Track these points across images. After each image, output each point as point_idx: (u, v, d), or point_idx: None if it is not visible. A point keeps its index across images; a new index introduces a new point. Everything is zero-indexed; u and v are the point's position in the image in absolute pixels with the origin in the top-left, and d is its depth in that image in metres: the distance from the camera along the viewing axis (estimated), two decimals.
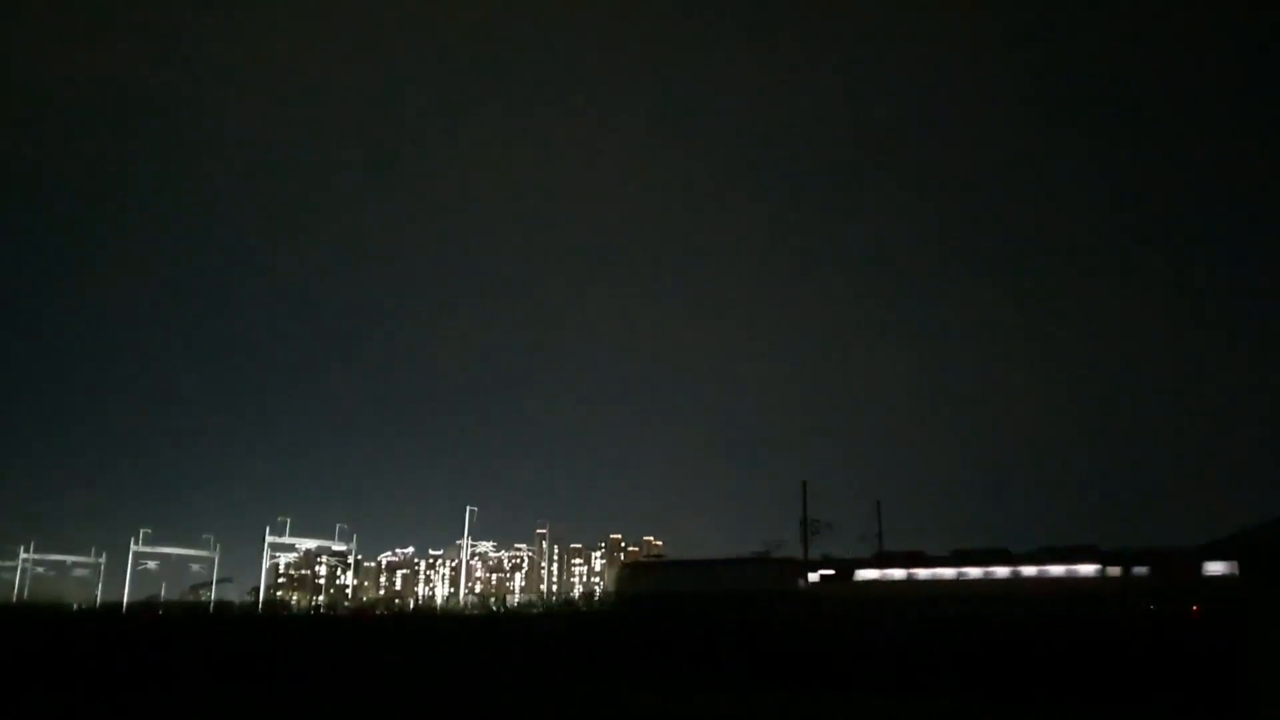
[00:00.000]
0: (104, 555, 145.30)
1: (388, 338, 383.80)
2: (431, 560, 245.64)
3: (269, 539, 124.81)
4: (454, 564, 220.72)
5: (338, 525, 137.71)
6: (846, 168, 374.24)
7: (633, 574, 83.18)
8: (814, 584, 72.51)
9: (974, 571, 65.09)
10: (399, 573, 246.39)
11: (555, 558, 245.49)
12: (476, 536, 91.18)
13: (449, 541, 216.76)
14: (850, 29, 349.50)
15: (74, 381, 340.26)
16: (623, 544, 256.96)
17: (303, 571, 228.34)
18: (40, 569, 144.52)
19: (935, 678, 27.64)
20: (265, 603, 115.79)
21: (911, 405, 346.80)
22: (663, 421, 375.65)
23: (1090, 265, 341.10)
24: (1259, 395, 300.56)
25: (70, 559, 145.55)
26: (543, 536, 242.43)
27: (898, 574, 69.60)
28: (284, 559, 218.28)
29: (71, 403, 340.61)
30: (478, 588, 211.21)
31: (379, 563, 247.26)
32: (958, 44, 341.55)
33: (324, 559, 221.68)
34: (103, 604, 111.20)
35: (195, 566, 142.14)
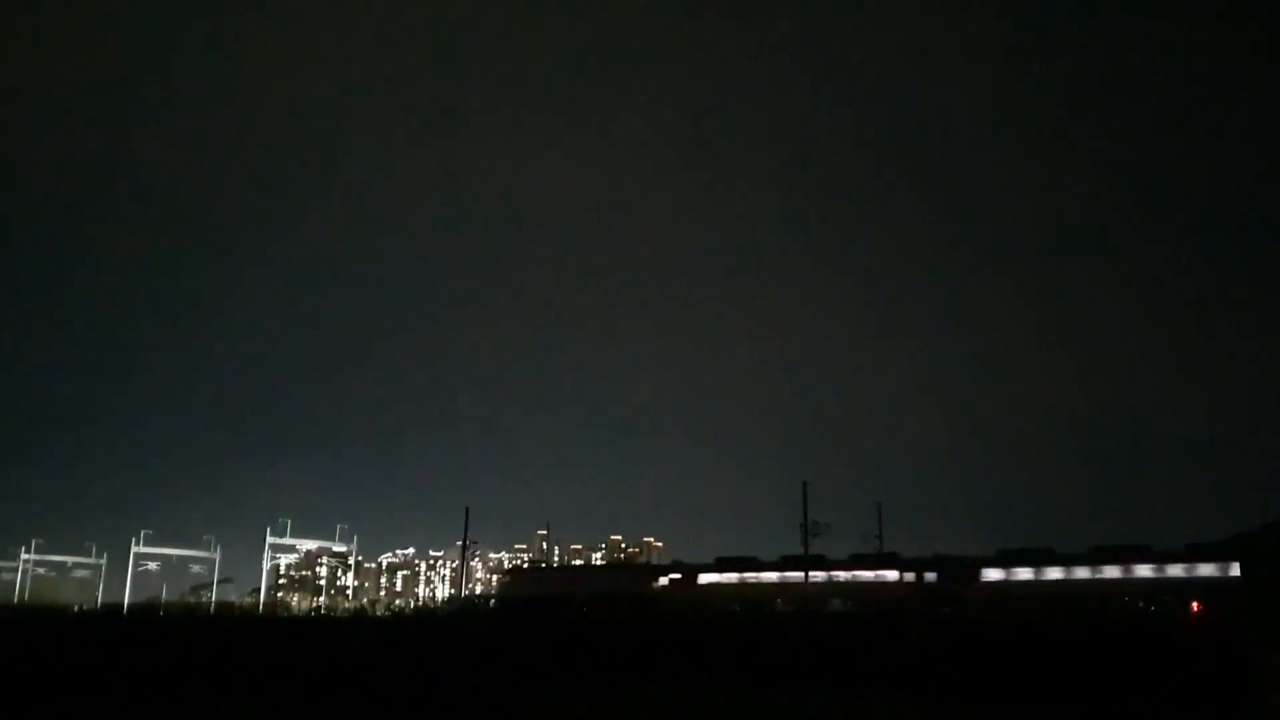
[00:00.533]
0: (105, 556, 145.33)
1: (389, 339, 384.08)
2: (432, 561, 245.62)
3: (269, 540, 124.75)
4: (454, 565, 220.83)
5: (338, 526, 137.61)
6: (849, 168, 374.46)
7: (513, 578, 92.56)
8: (662, 587, 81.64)
9: (795, 575, 70.83)
10: (399, 574, 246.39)
11: (556, 558, 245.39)
12: (477, 538, 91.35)
13: (450, 542, 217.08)
14: (855, 29, 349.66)
15: (75, 382, 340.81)
16: (623, 545, 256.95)
17: (303, 572, 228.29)
18: (41, 570, 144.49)
19: (716, 665, 30.99)
20: (266, 604, 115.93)
21: (913, 406, 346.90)
22: (664, 423, 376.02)
23: (1093, 266, 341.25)
24: (1262, 395, 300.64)
25: (71, 560, 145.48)
26: (543, 537, 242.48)
27: (731, 578, 77.83)
28: (285, 560, 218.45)
29: (73, 403, 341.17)
30: (479, 589, 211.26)
31: (379, 564, 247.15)
32: (961, 43, 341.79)
33: (324, 560, 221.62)
34: (104, 605, 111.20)
35: (196, 568, 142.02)
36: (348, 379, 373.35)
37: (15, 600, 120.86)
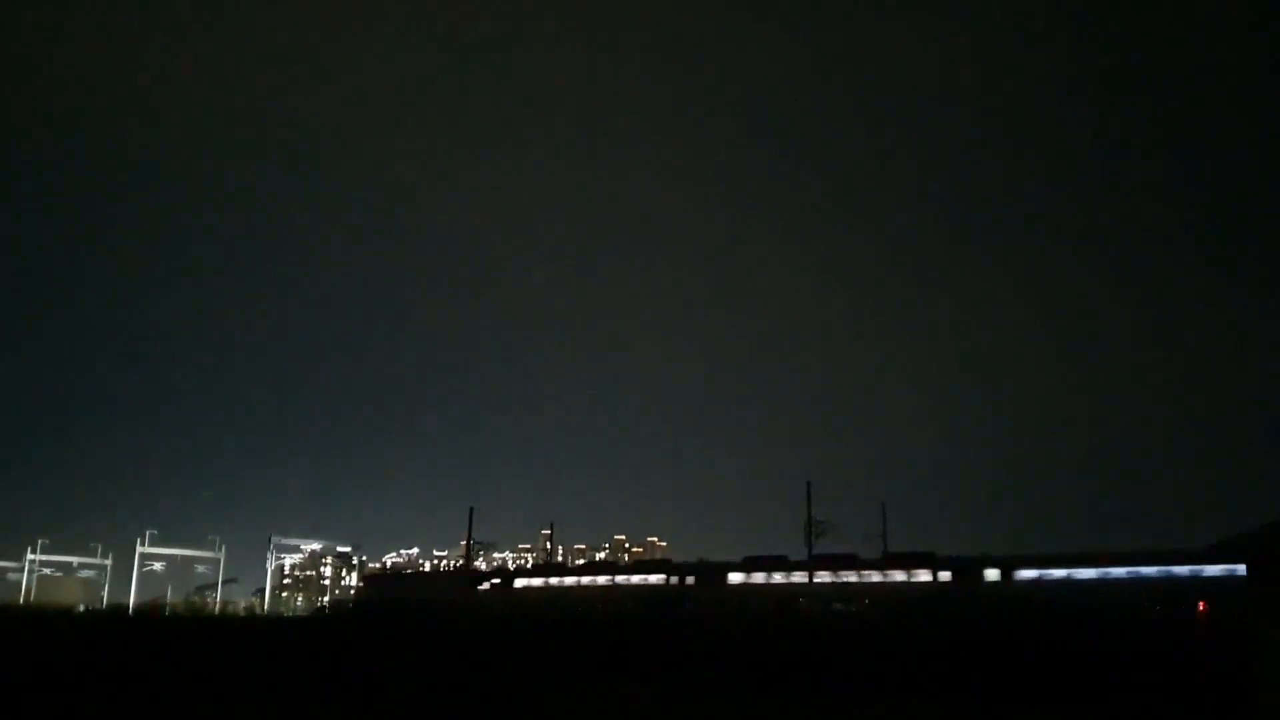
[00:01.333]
0: (110, 556, 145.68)
1: (393, 338, 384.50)
2: (436, 561, 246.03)
3: (274, 540, 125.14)
4: (458, 564, 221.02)
5: (342, 526, 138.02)
6: (852, 165, 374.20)
7: (366, 584, 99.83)
8: (484, 591, 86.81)
9: (600, 579, 79.24)
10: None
11: (560, 558, 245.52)
12: (480, 537, 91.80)
13: (453, 542, 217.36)
14: (856, 25, 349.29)
15: (79, 383, 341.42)
16: (627, 544, 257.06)
17: (308, 572, 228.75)
18: (47, 570, 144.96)
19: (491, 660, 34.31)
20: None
21: (917, 405, 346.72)
22: (668, 421, 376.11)
23: (1100, 264, 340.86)
24: (1267, 395, 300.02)
25: (76, 560, 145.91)
26: (547, 537, 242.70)
27: (538, 582, 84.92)
28: (289, 560, 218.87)
29: (77, 404, 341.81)
30: None
31: (383, 563, 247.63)
32: (966, 40, 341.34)
33: (329, 560, 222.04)
34: (110, 605, 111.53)
35: (201, 568, 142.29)
36: (353, 379, 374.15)
37: (21, 601, 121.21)
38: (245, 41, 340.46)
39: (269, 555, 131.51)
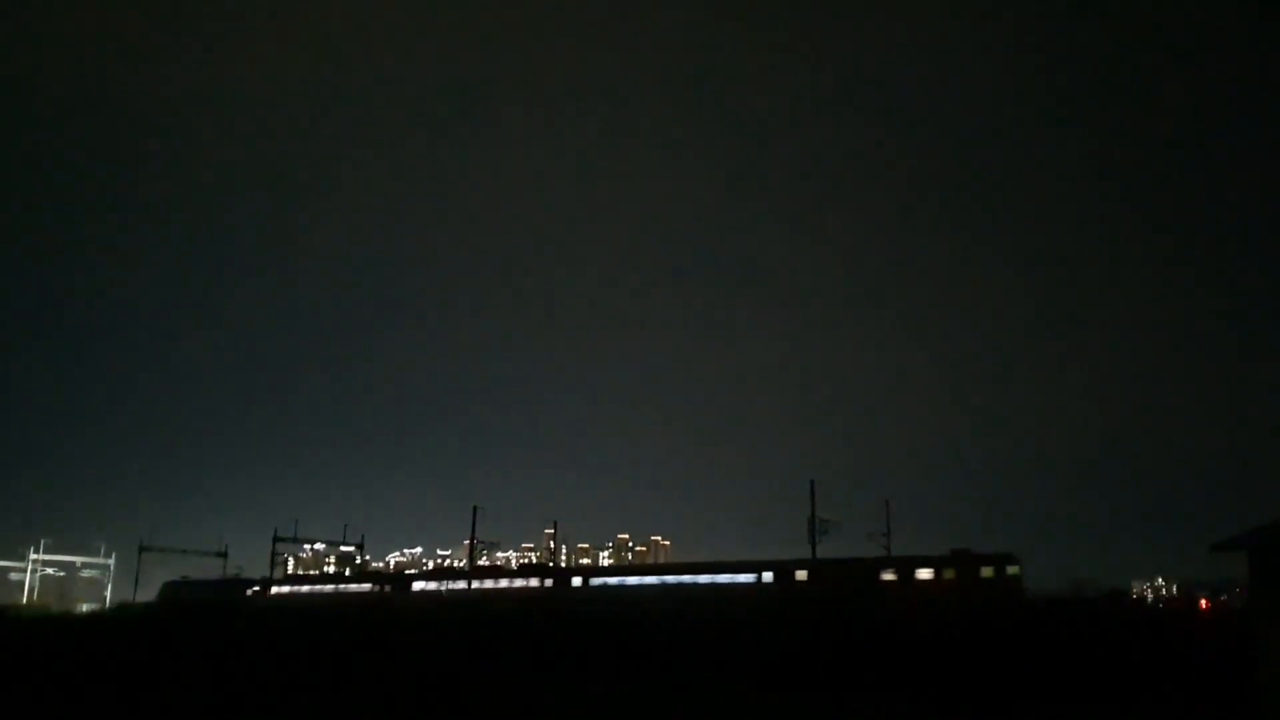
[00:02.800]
0: (113, 555, 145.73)
1: (398, 338, 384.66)
2: (439, 560, 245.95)
3: (277, 538, 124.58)
4: (462, 563, 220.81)
5: (346, 525, 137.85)
6: (856, 166, 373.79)
7: (169, 589, 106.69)
8: (274, 596, 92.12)
9: (487, 583, 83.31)
10: (407, 573, 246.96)
11: (563, 558, 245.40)
12: (483, 536, 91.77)
13: (456, 541, 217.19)
14: (863, 24, 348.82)
15: (83, 383, 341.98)
16: (630, 543, 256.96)
17: (311, 571, 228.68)
18: (50, 570, 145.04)
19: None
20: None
21: (921, 404, 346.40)
22: (670, 421, 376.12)
23: (1102, 264, 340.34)
24: (1271, 395, 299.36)
25: (80, 560, 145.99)
26: (550, 536, 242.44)
27: (432, 586, 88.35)
28: (292, 559, 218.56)
29: (80, 404, 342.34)
30: None
31: (387, 563, 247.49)
32: (971, 42, 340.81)
33: (332, 559, 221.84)
34: (115, 605, 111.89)
35: (203, 569, 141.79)
36: (357, 378, 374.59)
37: (25, 600, 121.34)
38: (248, 48, 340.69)
39: (271, 553, 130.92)
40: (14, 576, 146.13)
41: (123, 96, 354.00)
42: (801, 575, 62.38)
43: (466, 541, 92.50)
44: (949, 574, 55.55)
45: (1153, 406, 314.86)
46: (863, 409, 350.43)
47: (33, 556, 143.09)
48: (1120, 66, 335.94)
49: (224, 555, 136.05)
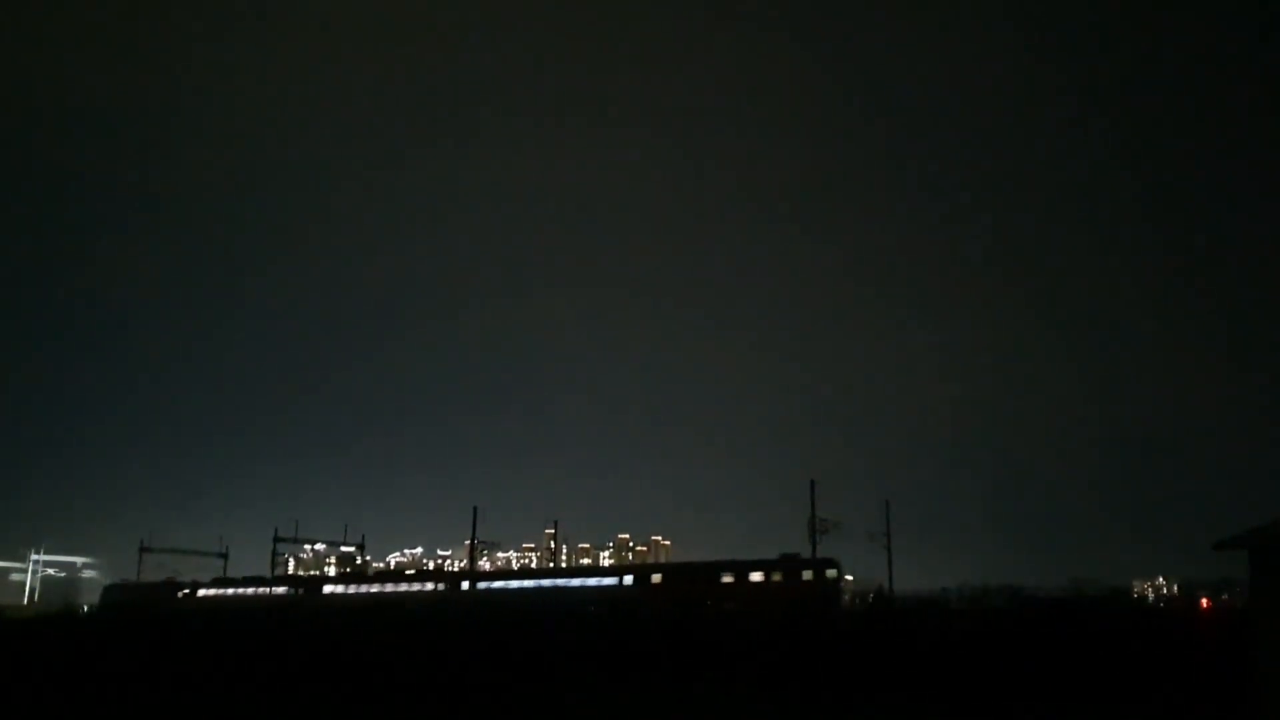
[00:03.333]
0: (227, 549, 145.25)
1: (396, 339, 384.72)
2: (440, 560, 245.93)
3: (278, 539, 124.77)
4: (462, 564, 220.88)
5: (346, 525, 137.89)
6: (855, 164, 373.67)
7: (109, 592, 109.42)
8: (200, 598, 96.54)
9: (388, 587, 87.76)
10: (407, 573, 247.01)
11: (564, 558, 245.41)
12: (484, 536, 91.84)
13: (457, 542, 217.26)
14: (863, 23, 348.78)
15: (83, 384, 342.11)
16: (630, 543, 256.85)
17: (311, 572, 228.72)
18: (51, 571, 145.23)
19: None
20: None
21: (922, 404, 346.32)
22: (671, 420, 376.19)
23: (1103, 263, 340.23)
24: (1272, 393, 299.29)
25: (80, 560, 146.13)
26: (551, 536, 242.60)
27: (340, 589, 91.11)
28: (293, 560, 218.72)
29: (82, 405, 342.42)
30: None
31: (387, 563, 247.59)
32: (971, 37, 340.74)
33: (332, 560, 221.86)
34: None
35: (204, 569, 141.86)
36: (357, 378, 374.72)
37: (26, 601, 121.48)
38: (250, 53, 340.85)
39: (272, 554, 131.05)
40: (15, 577, 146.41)
41: (125, 98, 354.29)
42: (657, 578, 69.28)
43: (467, 541, 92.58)
44: (776, 576, 62.02)
45: (1153, 406, 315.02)
46: (864, 409, 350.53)
47: (34, 557, 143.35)
48: (1121, 66, 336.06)
49: (225, 556, 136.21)
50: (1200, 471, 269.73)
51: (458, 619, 44.70)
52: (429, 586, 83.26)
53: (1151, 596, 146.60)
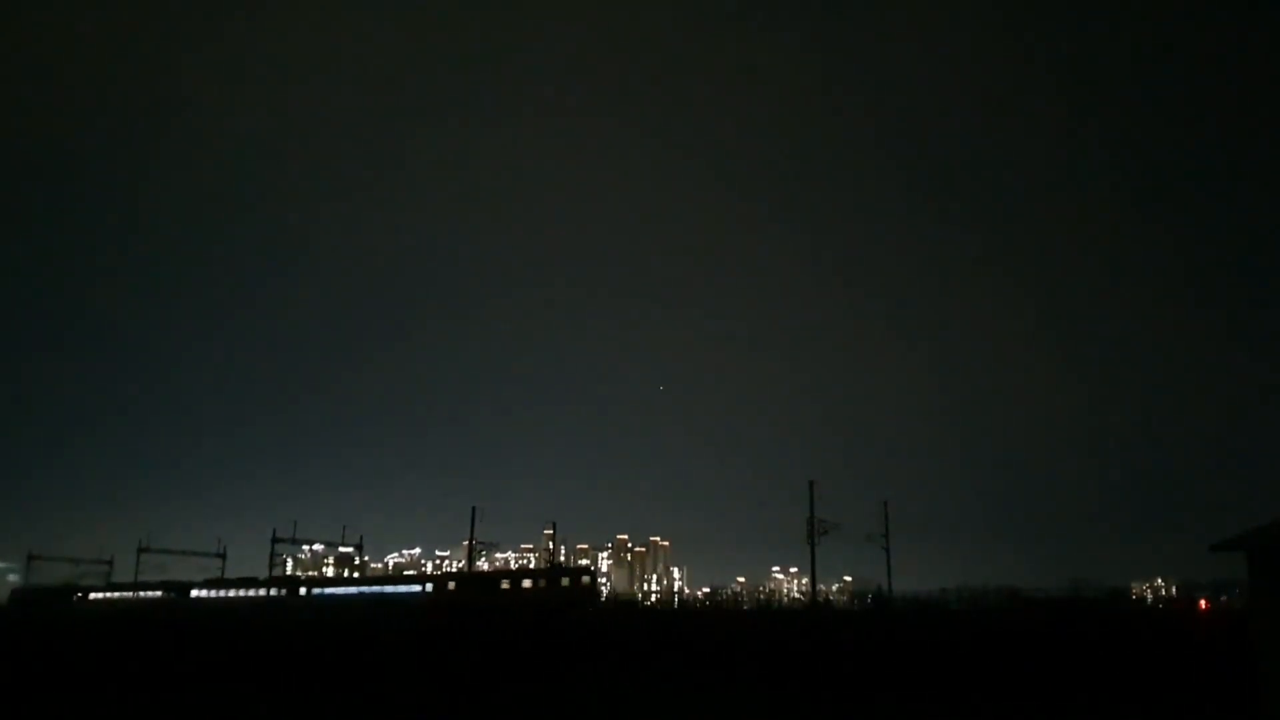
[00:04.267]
0: (113, 556, 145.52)
1: (396, 341, 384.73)
2: (439, 561, 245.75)
3: (276, 539, 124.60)
4: (460, 565, 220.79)
5: (344, 526, 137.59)
6: (854, 166, 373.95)
7: (16, 595, 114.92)
8: (91, 601, 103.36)
9: (215, 593, 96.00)
10: (405, 574, 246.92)
11: (562, 558, 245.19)
12: (483, 537, 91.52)
13: (456, 542, 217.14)
14: (864, 27, 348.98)
15: (83, 385, 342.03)
16: (629, 544, 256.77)
17: (310, 572, 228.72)
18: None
19: None
20: None
21: (920, 405, 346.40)
22: (670, 422, 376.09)
23: (1102, 264, 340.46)
24: (1268, 395, 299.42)
25: (79, 560, 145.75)
26: (549, 537, 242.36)
27: (116, 595, 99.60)
28: (291, 560, 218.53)
29: (81, 406, 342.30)
30: None
31: (386, 563, 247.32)
32: (968, 42, 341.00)
33: (331, 560, 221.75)
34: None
35: (203, 569, 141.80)
36: (355, 380, 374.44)
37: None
38: (259, 52, 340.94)
39: (270, 555, 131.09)
40: (12, 578, 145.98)
41: (127, 100, 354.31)
42: (452, 585, 79.88)
43: (465, 542, 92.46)
44: (542, 583, 73.65)
45: (1153, 407, 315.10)
46: (864, 410, 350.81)
47: (32, 557, 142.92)
48: (1123, 66, 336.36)
49: (222, 556, 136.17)
50: (1200, 473, 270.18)
51: (279, 622, 50.83)
52: (275, 592, 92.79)
53: (1150, 598, 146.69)
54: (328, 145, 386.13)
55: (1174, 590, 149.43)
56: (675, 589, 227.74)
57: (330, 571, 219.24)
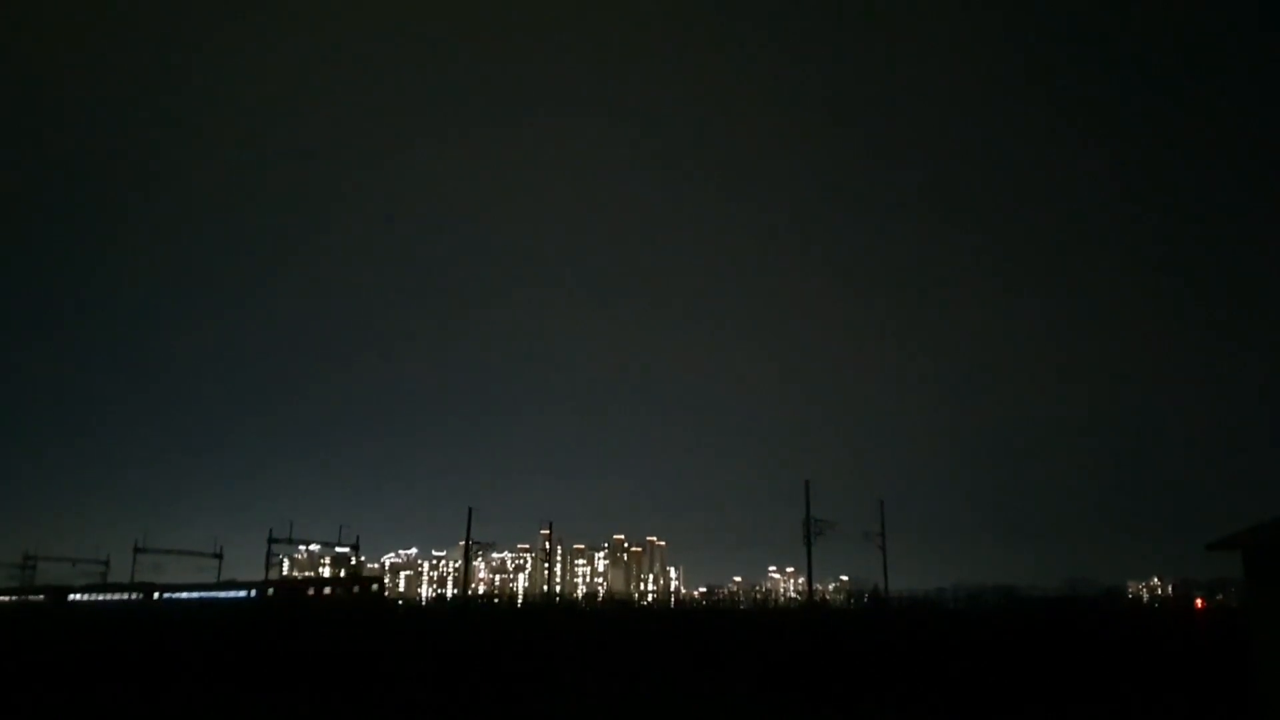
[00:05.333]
0: (109, 557, 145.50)
1: (392, 341, 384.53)
2: (435, 561, 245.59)
3: (273, 539, 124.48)
4: (457, 565, 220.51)
5: (341, 526, 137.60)
6: (850, 167, 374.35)
7: None
8: None
9: (37, 596, 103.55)
10: (402, 573, 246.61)
11: (559, 558, 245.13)
12: (480, 537, 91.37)
13: (452, 542, 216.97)
14: (860, 25, 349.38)
15: (81, 385, 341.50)
16: (625, 544, 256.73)
17: (306, 573, 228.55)
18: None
19: None
20: None
21: (917, 404, 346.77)
22: (669, 421, 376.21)
23: (1099, 264, 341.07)
24: (1267, 395, 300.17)
25: (75, 559, 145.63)
26: (546, 537, 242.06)
27: None
28: (288, 560, 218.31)
29: (78, 406, 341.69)
30: (481, 588, 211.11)
31: (382, 564, 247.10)
32: (965, 43, 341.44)
33: (327, 560, 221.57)
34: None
35: (200, 569, 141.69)
36: (352, 379, 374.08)
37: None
38: (258, 52, 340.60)
39: (267, 555, 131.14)
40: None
41: (124, 98, 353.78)
42: (271, 591, 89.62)
43: (462, 542, 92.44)
44: (340, 590, 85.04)
45: (1149, 407, 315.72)
46: (861, 409, 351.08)
47: (29, 557, 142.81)
48: (1124, 66, 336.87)
49: (219, 557, 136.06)
50: (1195, 472, 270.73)
51: (125, 623, 55.15)
52: (130, 596, 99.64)
53: (1146, 597, 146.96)
54: (323, 145, 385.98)
55: (1170, 589, 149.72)
56: (672, 588, 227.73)
57: (327, 572, 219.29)
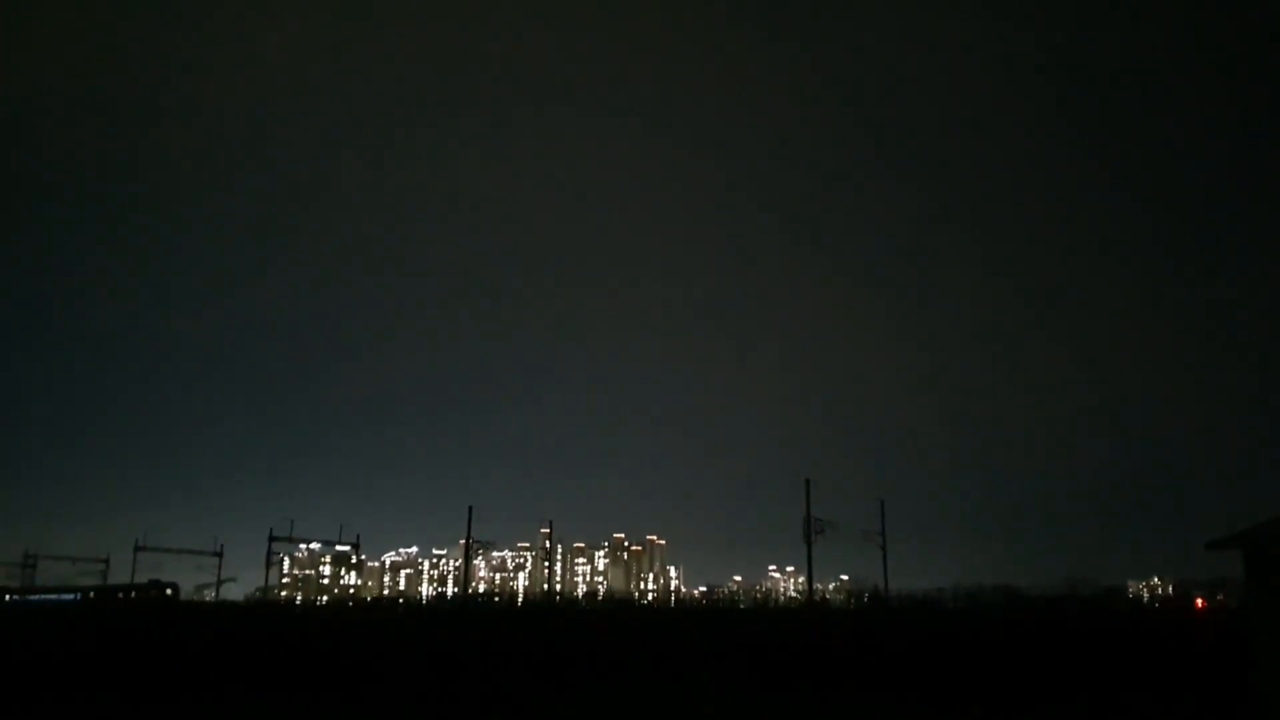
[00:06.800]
0: (109, 555, 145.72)
1: (391, 338, 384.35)
2: (435, 560, 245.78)
3: (273, 538, 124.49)
4: (457, 563, 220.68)
5: (341, 525, 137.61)
6: (851, 163, 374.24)
7: None
8: None
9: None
10: (402, 572, 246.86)
11: (559, 557, 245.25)
12: (480, 536, 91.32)
13: (453, 541, 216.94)
14: (858, 23, 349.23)
15: (78, 383, 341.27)
16: (625, 543, 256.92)
17: (307, 571, 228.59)
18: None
19: None
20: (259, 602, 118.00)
21: (917, 403, 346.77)
22: (667, 420, 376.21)
23: (1100, 263, 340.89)
24: (1267, 395, 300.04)
25: (75, 559, 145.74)
26: (546, 536, 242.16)
27: None
28: (288, 559, 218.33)
29: (76, 404, 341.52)
30: (481, 587, 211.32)
31: (382, 562, 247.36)
32: (966, 38, 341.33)
33: (327, 559, 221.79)
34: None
35: (200, 567, 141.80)
36: (352, 379, 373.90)
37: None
38: (248, 46, 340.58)
39: (267, 554, 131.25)
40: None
41: (117, 94, 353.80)
42: (93, 594, 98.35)
43: (462, 541, 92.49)
44: (134, 594, 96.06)
45: (1149, 407, 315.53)
46: (861, 409, 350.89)
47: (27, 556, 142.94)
48: (1124, 66, 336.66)
49: (219, 555, 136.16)
50: (1196, 472, 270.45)
51: None
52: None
53: (1146, 596, 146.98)
54: (318, 139, 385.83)
55: (1170, 589, 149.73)
56: (672, 588, 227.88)
57: (327, 570, 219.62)
